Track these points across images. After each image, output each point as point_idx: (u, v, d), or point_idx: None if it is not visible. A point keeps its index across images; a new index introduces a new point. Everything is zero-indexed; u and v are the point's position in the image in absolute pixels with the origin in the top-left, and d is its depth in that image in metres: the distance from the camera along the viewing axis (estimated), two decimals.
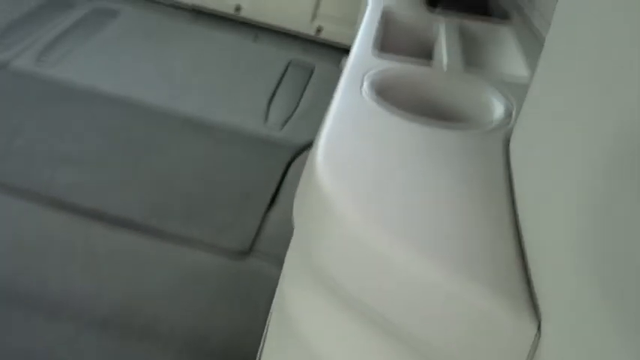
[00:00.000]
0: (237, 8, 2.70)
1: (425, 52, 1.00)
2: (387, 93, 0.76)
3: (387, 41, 0.93)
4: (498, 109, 0.72)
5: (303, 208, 0.65)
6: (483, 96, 0.77)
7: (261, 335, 0.87)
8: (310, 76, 2.43)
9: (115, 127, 1.85)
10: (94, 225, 1.47)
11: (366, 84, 0.75)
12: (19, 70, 2.03)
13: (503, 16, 1.08)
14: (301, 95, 2.28)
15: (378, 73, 0.78)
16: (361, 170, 0.61)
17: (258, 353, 0.86)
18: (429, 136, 0.67)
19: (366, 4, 1.04)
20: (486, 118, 0.72)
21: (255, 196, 1.70)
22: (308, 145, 1.99)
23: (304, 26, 2.68)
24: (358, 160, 0.62)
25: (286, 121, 2.10)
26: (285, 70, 2.43)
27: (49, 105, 1.88)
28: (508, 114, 0.72)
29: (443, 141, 0.66)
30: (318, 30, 2.68)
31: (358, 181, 0.59)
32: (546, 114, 0.52)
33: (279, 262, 0.86)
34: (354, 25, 2.64)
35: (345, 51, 2.65)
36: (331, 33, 2.68)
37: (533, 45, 0.94)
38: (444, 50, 0.87)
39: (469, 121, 0.76)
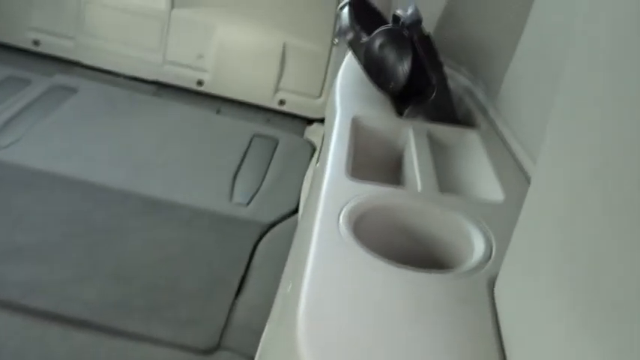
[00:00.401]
0: (200, 82, 2.70)
1: (395, 157, 1.00)
2: (363, 221, 0.74)
3: (358, 147, 0.92)
4: (477, 242, 0.71)
5: None
6: (461, 225, 0.77)
7: None
8: (275, 149, 2.42)
9: (74, 213, 1.78)
10: (51, 327, 1.37)
11: (342, 221, 0.73)
12: None
13: (470, 122, 1.10)
14: (267, 169, 2.26)
15: (354, 207, 0.76)
16: (347, 341, 0.57)
17: None
18: (412, 284, 0.65)
19: (333, 110, 1.04)
20: (466, 252, 0.71)
21: (222, 284, 1.63)
22: (275, 223, 1.95)
23: (267, 99, 2.69)
24: (343, 330, 0.58)
25: (252, 198, 2.07)
26: (250, 143, 2.42)
27: (3, 193, 1.80)
28: (488, 247, 0.71)
29: (426, 287, 0.64)
30: (281, 102, 2.70)
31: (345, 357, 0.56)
32: (533, 266, 0.51)
33: (249, 358, 0.81)
34: (316, 97, 2.68)
35: (309, 121, 2.70)
36: (294, 104, 2.70)
37: (500, 151, 0.96)
38: (416, 165, 0.87)
39: (448, 248, 0.75)
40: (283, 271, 1.47)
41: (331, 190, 0.77)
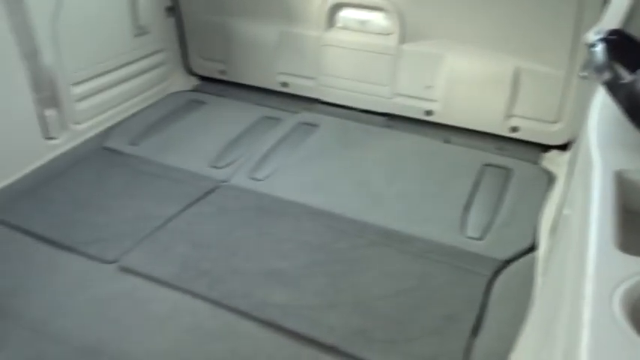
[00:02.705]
0: (429, 112, 2.75)
1: None
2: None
3: (625, 209, 0.83)
4: None
5: None
6: None
7: None
8: (508, 179, 2.33)
9: (319, 242, 1.96)
10: (302, 349, 1.54)
11: (617, 306, 0.65)
12: (236, 187, 2.29)
13: None
14: (499, 201, 2.19)
15: (631, 289, 0.68)
16: None
17: None
18: None
19: (588, 161, 0.96)
20: None
21: (457, 321, 1.63)
22: (511, 260, 1.88)
23: (498, 126, 2.61)
24: None
25: (486, 232, 2.02)
26: (481, 173, 2.37)
27: (261, 221, 2.07)
28: None
29: None
30: (514, 129, 2.59)
31: None
32: None
33: None
34: (552, 122, 2.51)
35: (545, 148, 2.54)
36: (528, 131, 2.57)
37: None
38: None
39: None
40: (524, 325, 1.41)
41: (599, 267, 0.70)
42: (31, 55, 2.30)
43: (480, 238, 1.99)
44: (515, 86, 2.53)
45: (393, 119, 2.84)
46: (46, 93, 2.41)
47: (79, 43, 2.52)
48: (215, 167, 2.42)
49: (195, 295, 1.71)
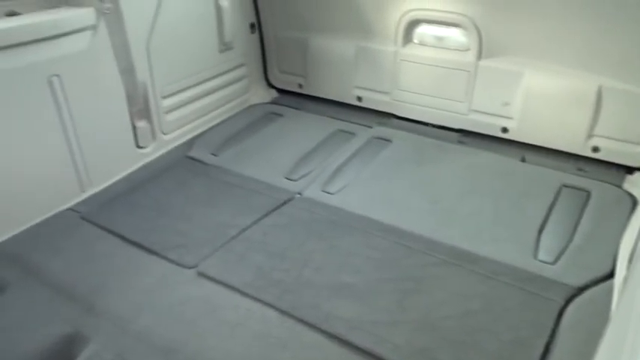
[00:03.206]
0: (505, 129, 2.70)
1: None
2: None
3: None
4: None
5: None
6: None
7: None
8: (587, 201, 2.25)
9: (387, 259, 1.99)
10: None
11: None
12: (309, 199, 2.36)
13: None
14: (577, 224, 2.12)
15: None
16: None
17: None
18: None
19: None
20: None
21: (525, 348, 1.60)
22: (585, 287, 1.82)
23: (578, 146, 2.53)
24: None
25: (559, 256, 1.97)
26: (558, 194, 2.31)
27: (332, 234, 2.13)
28: None
29: None
30: (595, 149, 2.50)
31: None
32: None
33: None
34: (637, 144, 2.40)
35: (629, 170, 2.43)
36: (611, 152, 2.46)
37: None
38: None
39: None
40: (595, 356, 1.37)
41: None
42: (127, 71, 2.50)
43: (553, 263, 1.94)
44: (598, 105, 2.44)
45: (468, 135, 2.82)
46: (139, 106, 2.61)
47: (169, 60, 2.70)
48: (290, 179, 2.51)
49: (266, 303, 1.79)
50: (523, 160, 2.59)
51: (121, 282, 1.91)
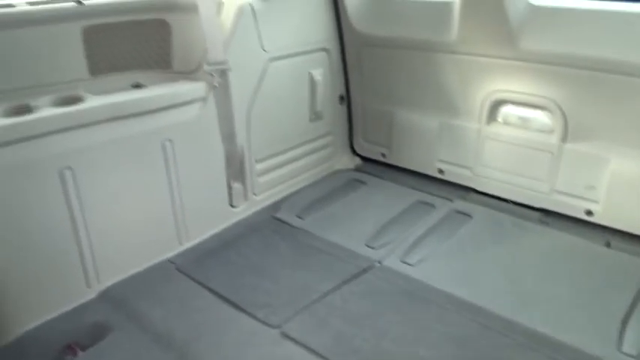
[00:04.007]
0: (589, 212, 2.69)
1: None
2: None
3: None
4: None
5: None
6: None
7: None
8: None
9: (463, 336, 2.02)
10: None
11: None
12: (388, 269, 2.45)
13: None
14: None
15: None
16: None
17: None
18: None
19: None
20: None
21: None
22: None
23: None
24: None
25: None
26: None
27: (410, 306, 2.20)
28: None
29: None
30: None
31: None
32: None
33: None
34: None
35: None
36: None
37: None
38: None
39: None
40: None
41: None
42: (228, 136, 2.75)
43: (638, 357, 1.90)
44: None
45: (549, 216, 2.83)
46: (236, 168, 2.84)
47: (265, 127, 2.94)
48: (371, 247, 2.62)
49: None
50: (608, 245, 2.56)
51: (212, 335, 2.06)
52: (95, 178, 2.25)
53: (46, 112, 2.10)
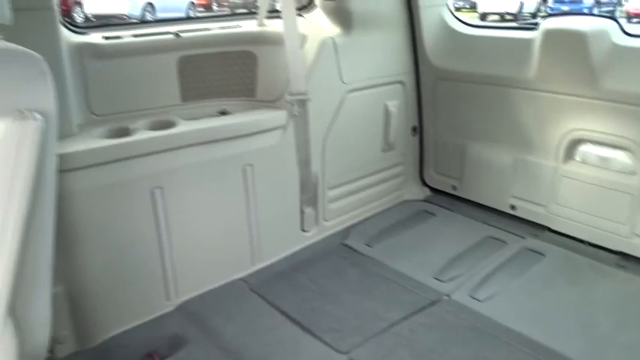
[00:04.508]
0: None
1: None
2: None
3: None
4: None
5: None
6: None
7: None
8: None
9: None
10: None
11: None
12: (456, 303, 2.45)
13: None
14: None
15: None
16: None
17: None
18: None
19: None
20: None
21: None
22: None
23: None
24: None
25: None
26: None
27: (477, 343, 2.19)
28: None
29: None
30: None
31: None
32: None
33: None
34: None
35: None
36: None
37: None
38: None
39: None
40: None
41: None
42: (304, 163, 2.86)
43: None
44: None
45: (627, 259, 2.73)
46: (309, 194, 2.94)
47: (339, 155, 3.04)
48: (439, 280, 2.63)
49: None
50: None
51: (282, 355, 2.14)
52: (180, 198, 2.40)
53: (143, 135, 2.29)
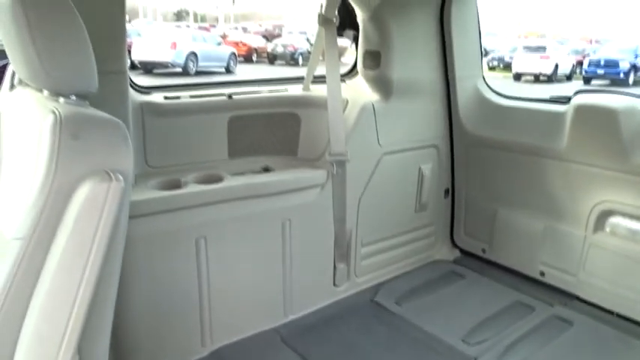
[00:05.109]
0: None
1: None
2: None
3: None
4: None
5: None
6: None
7: None
8: None
9: None
10: None
11: None
12: None
13: None
14: None
15: None
16: None
17: None
18: None
19: None
20: None
21: None
22: None
23: None
24: None
25: None
26: None
27: None
28: None
29: None
30: None
31: None
32: None
33: None
34: None
35: None
36: None
37: None
38: None
39: None
40: None
41: None
42: (339, 220, 2.99)
43: None
44: None
45: None
46: (342, 250, 3.05)
47: (373, 214, 3.16)
48: (466, 343, 2.67)
49: None
50: None
51: None
52: (222, 248, 2.55)
53: (194, 188, 2.46)
